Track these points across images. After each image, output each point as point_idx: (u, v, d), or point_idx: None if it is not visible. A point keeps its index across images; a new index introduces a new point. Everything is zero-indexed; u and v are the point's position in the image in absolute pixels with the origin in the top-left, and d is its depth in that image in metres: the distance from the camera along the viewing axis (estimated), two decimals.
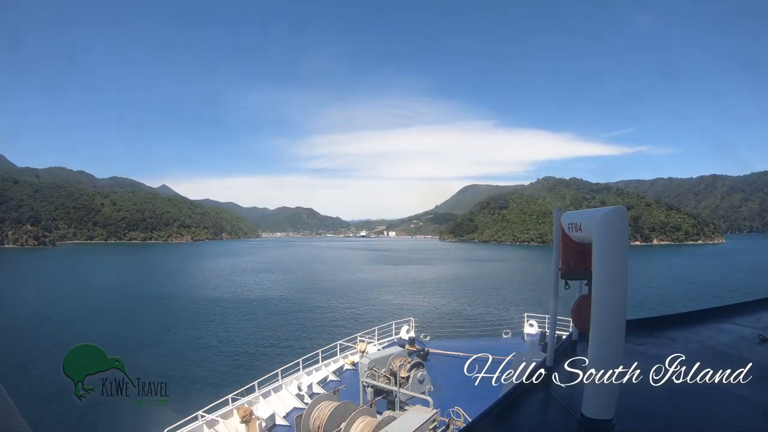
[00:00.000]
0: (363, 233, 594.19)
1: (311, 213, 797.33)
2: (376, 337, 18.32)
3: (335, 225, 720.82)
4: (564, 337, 5.78)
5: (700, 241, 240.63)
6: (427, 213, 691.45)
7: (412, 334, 17.92)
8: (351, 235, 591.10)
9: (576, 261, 4.00)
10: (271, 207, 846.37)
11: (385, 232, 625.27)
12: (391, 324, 19.37)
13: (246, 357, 31.57)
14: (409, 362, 10.89)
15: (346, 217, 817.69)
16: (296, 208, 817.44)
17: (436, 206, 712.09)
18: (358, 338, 17.68)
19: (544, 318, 18.40)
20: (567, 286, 4.36)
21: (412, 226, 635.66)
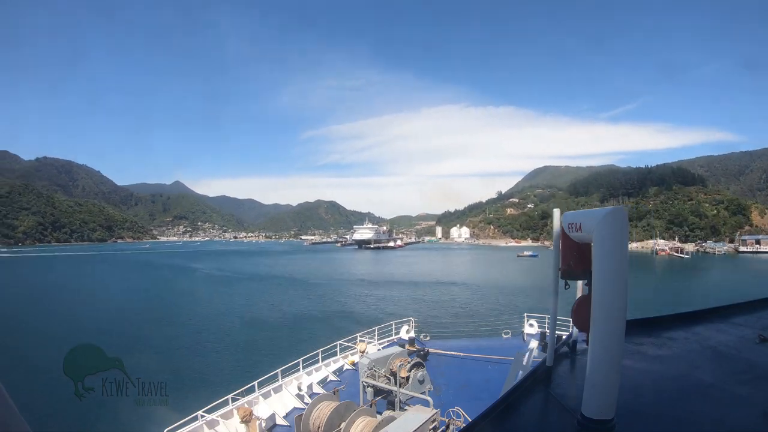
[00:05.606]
0: (365, 233, 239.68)
1: (332, 206, 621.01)
2: (376, 337, 18.32)
3: (363, 221, 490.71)
4: (564, 337, 5.78)
5: None
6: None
7: (412, 334, 17.94)
8: (347, 239, 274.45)
9: (576, 261, 4.01)
10: (294, 203, 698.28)
11: (438, 232, 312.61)
12: (391, 324, 19.37)
13: (246, 357, 31.52)
14: (409, 362, 10.86)
15: (382, 213, 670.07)
16: (315, 201, 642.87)
17: (500, 193, 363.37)
18: (358, 338, 17.68)
19: (544, 318, 18.40)
20: (567, 286, 4.38)
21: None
